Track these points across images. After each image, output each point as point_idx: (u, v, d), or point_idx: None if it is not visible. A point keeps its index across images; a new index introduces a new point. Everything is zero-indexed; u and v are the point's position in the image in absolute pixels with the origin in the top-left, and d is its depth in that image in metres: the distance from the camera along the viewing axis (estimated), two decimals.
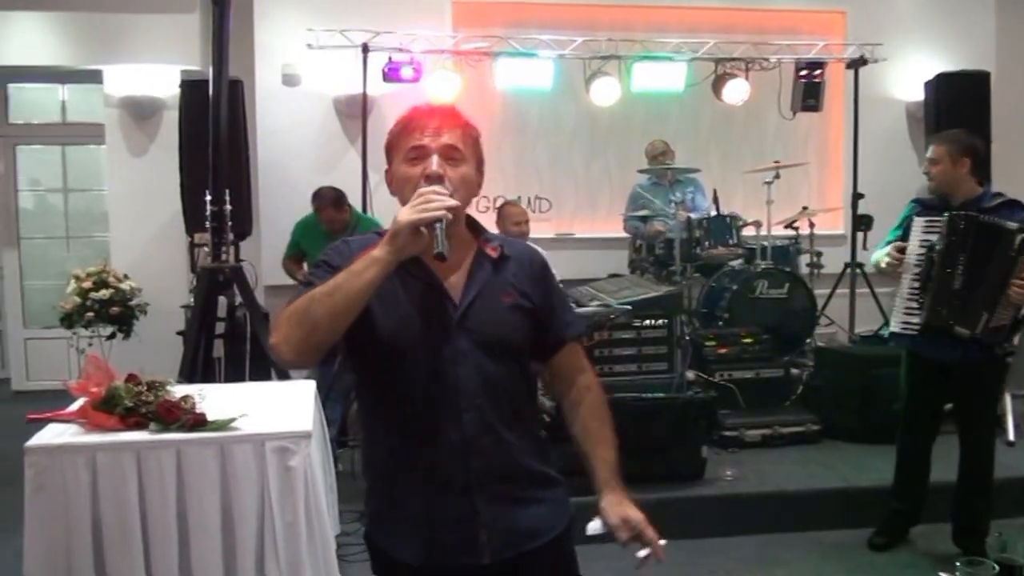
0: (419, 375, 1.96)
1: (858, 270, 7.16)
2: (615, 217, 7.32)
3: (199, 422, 3.18)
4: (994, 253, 3.90)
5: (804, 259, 6.99)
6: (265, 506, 3.13)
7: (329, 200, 5.62)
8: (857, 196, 7.20)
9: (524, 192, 7.53)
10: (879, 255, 4.25)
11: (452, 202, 1.87)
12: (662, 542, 2.04)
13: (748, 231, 6.59)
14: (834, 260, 7.22)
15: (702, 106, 7.67)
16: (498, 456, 2.00)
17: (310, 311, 1.82)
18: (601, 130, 7.74)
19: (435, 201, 1.84)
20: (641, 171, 7.00)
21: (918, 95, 7.62)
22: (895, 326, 4.15)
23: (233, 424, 3.20)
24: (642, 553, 2.04)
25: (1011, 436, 5.65)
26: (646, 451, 4.60)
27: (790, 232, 6.93)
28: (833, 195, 8.08)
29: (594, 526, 2.07)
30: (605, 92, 7.16)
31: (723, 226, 6.39)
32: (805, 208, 7.05)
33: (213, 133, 4.62)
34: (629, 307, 5.38)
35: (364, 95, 6.87)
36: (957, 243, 3.96)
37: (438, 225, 1.83)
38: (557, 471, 2.14)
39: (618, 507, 2.06)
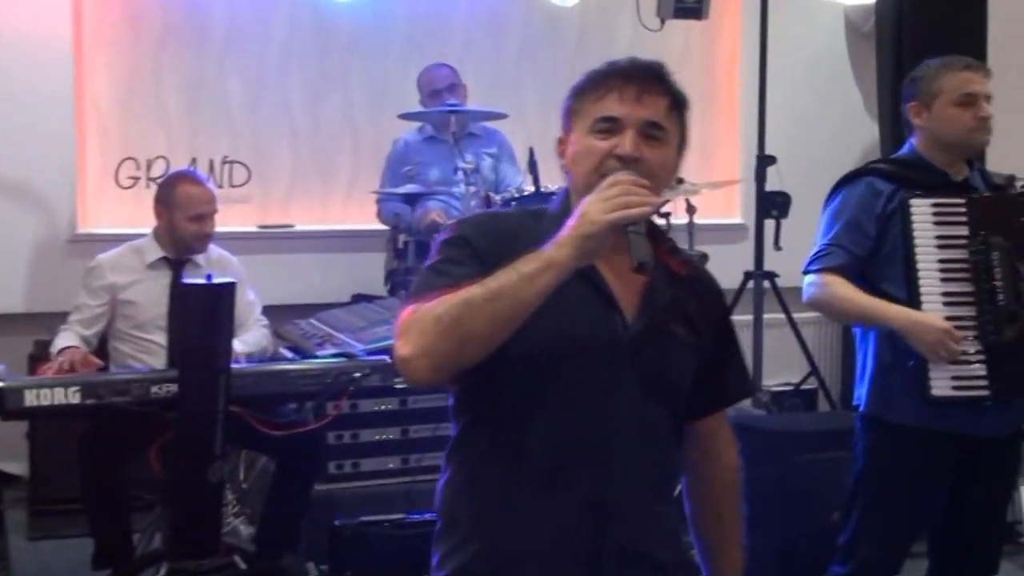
0: (566, 404, 2.19)
1: (767, 283, 6.53)
2: (362, 197, 6.70)
3: None
4: None
5: None
6: None
7: None
8: (765, 161, 6.51)
9: (202, 153, 6.71)
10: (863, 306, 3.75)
11: (657, 199, 2.12)
12: None
13: None
14: (729, 267, 6.41)
15: (509, 9, 7.06)
16: (643, 527, 2.25)
17: (465, 319, 2.04)
18: (338, 44, 6.98)
19: (636, 195, 2.04)
20: (404, 116, 6.18)
21: None
22: (942, 388, 3.66)
23: None
24: None
25: None
26: None
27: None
28: (726, 160, 7.52)
29: None
30: None
31: None
32: (680, 181, 5.99)
33: None
34: (387, 357, 4.70)
35: None
36: None
37: (632, 228, 2.06)
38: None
39: None
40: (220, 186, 6.62)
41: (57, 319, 5.24)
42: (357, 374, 4.66)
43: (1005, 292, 3.69)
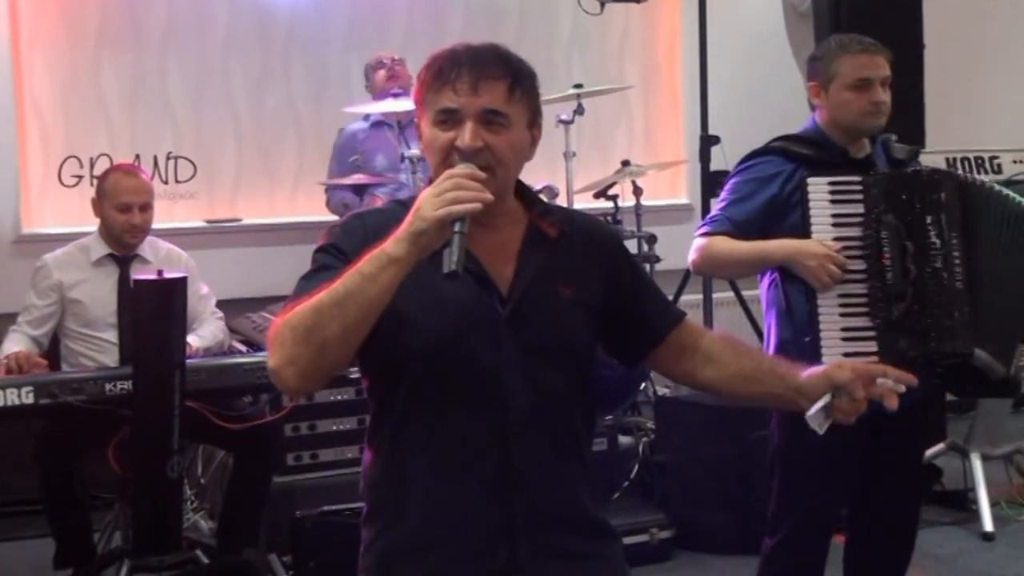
0: (454, 389, 2.23)
1: None
2: (308, 189, 6.79)
3: None
4: (1011, 237, 3.74)
5: (629, 247, 6.18)
6: None
7: None
8: (709, 141, 6.61)
9: (145, 150, 6.68)
10: (746, 249, 3.76)
11: (487, 196, 2.07)
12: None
13: None
14: (677, 247, 6.06)
15: None
16: (551, 495, 2.28)
17: (318, 326, 2.06)
18: (279, 37, 6.97)
19: (467, 190, 2.06)
20: (351, 110, 6.27)
21: None
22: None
23: None
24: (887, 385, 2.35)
25: (989, 526, 5.27)
26: None
27: (604, 204, 6.31)
28: (670, 140, 7.63)
29: (816, 418, 2.37)
30: None
31: None
32: (626, 163, 6.42)
33: None
34: None
35: None
36: (944, 213, 3.68)
37: (459, 226, 2.04)
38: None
39: (829, 369, 2.39)
40: (166, 182, 6.68)
41: (3, 320, 5.22)
42: None
43: (893, 271, 3.69)
